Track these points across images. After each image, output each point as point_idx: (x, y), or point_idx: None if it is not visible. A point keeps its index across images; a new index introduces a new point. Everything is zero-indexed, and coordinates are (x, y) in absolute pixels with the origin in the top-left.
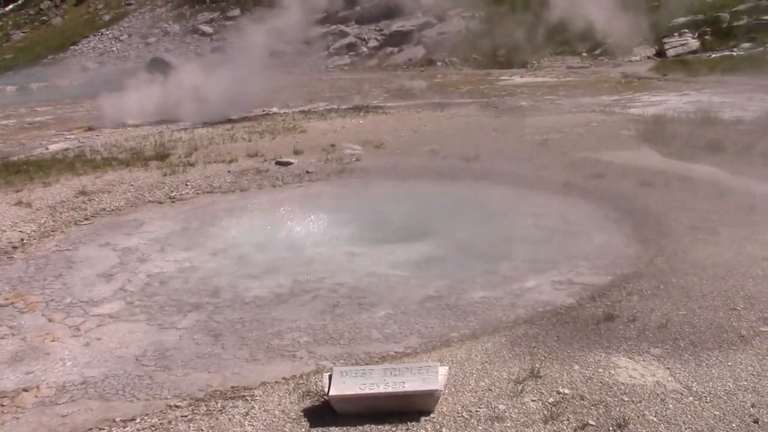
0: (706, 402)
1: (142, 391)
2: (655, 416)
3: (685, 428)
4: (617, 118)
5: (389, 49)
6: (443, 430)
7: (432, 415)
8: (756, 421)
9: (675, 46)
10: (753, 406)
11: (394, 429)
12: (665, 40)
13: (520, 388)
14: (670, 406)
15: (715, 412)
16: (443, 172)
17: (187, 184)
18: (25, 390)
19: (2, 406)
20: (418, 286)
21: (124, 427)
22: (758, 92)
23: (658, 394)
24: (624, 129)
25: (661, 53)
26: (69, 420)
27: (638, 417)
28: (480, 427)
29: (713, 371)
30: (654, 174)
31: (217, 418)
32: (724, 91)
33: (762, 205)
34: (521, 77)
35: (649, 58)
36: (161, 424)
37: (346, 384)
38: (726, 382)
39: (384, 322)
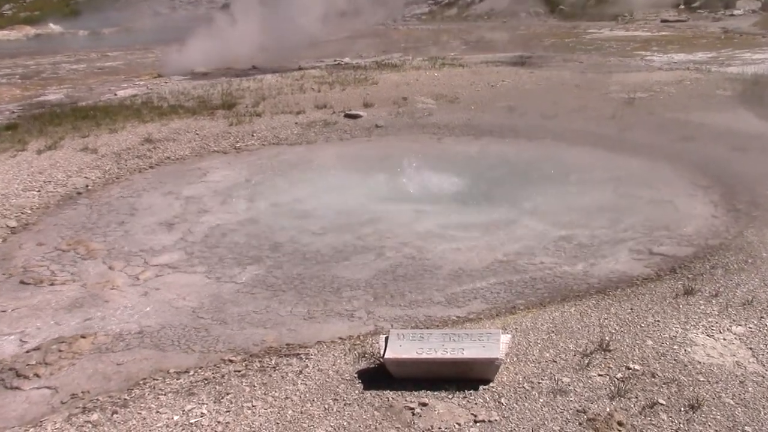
0: None
1: (197, 344)
2: (732, 399)
3: (765, 413)
4: (713, 77)
5: None
6: (502, 400)
7: (491, 385)
8: None
9: None
10: None
11: (450, 397)
12: None
13: (586, 362)
14: (750, 389)
15: None
16: (519, 130)
17: (253, 135)
18: (83, 336)
19: (60, 351)
20: (486, 250)
21: (177, 379)
22: None
23: (737, 376)
24: (720, 89)
25: None
26: (124, 369)
27: (713, 399)
28: (541, 400)
29: None
30: (750, 138)
31: (270, 375)
32: None
33: None
34: (611, 30)
35: (753, 11)
36: (214, 377)
37: (402, 347)
38: None
39: (447, 285)
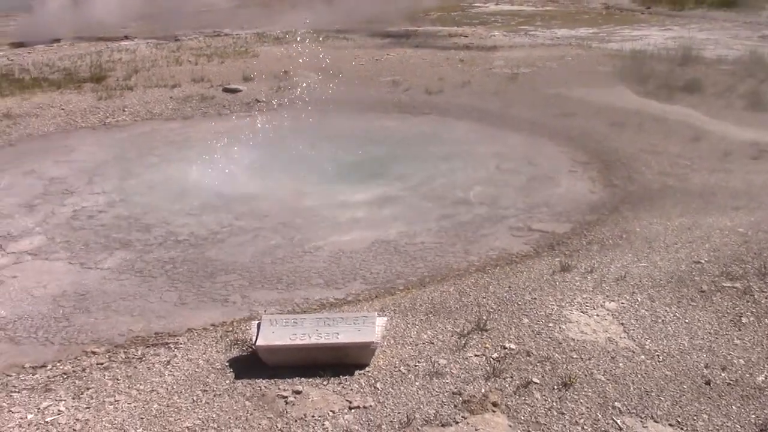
0: (659, 361)
1: (57, 335)
2: (603, 375)
3: (634, 389)
4: (594, 53)
5: None
6: (378, 385)
7: (367, 369)
8: (708, 383)
9: None
10: (707, 366)
11: (325, 383)
12: None
13: (463, 342)
14: (620, 364)
15: (667, 372)
16: (403, 106)
17: (124, 110)
18: None
19: None
20: (367, 229)
21: (33, 374)
22: (744, 30)
23: (608, 352)
24: (600, 65)
25: None
26: None
27: (585, 375)
28: (417, 383)
29: (669, 328)
30: (627, 114)
31: (136, 367)
32: (710, 27)
33: (736, 152)
34: (496, 4)
35: None
36: (74, 371)
37: (275, 333)
38: (681, 341)
39: (327, 266)
